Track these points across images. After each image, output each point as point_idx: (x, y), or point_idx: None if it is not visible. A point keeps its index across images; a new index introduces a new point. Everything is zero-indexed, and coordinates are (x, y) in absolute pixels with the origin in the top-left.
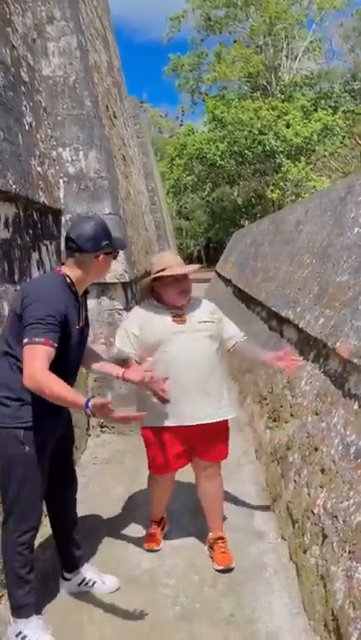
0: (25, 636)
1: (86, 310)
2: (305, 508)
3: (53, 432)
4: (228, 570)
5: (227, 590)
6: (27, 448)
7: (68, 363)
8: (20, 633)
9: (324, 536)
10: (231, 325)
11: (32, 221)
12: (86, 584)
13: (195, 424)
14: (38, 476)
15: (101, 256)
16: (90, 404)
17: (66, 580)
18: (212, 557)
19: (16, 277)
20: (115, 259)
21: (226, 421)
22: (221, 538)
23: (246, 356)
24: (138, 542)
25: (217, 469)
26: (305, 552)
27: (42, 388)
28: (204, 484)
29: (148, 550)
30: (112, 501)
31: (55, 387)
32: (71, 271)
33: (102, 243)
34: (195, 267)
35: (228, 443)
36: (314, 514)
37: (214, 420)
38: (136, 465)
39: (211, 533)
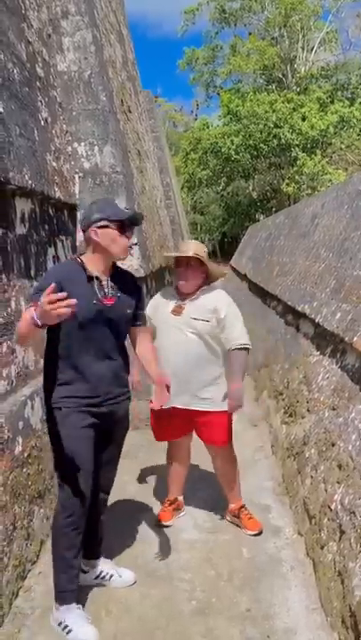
0: (67, 626)
1: (119, 290)
2: (322, 504)
3: (89, 421)
4: (260, 533)
5: (243, 585)
6: (64, 428)
7: (93, 337)
8: (61, 622)
9: (342, 532)
10: (233, 329)
11: (48, 217)
12: (103, 577)
13: (173, 406)
14: (84, 457)
15: (94, 229)
16: (36, 315)
17: (83, 572)
18: (239, 525)
19: (32, 273)
20: (121, 232)
21: (217, 413)
22: (243, 506)
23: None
24: (154, 536)
25: (226, 450)
26: (322, 548)
27: (18, 335)
28: (215, 462)
29: (158, 525)
30: (127, 495)
31: (21, 329)
32: (85, 254)
33: (93, 217)
34: (192, 254)
35: (225, 432)
36: (331, 510)
37: (189, 408)
38: (150, 459)
39: (233, 504)
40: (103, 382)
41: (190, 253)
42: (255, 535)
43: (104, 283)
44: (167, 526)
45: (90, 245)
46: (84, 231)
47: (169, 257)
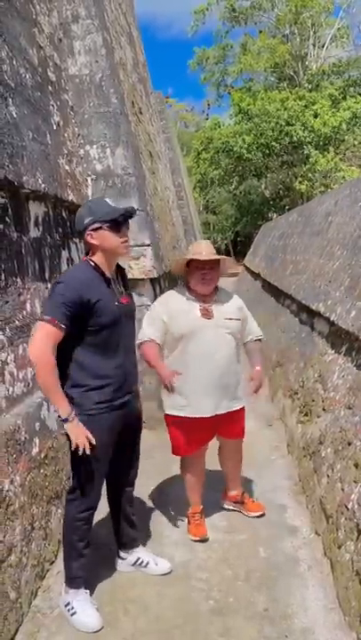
0: (72, 608)
1: (126, 287)
2: (339, 503)
3: (115, 422)
4: (263, 514)
5: (260, 585)
6: (94, 433)
7: (116, 338)
8: (68, 603)
9: (359, 531)
10: (253, 323)
11: (61, 219)
12: (140, 564)
13: (210, 415)
14: (102, 460)
15: (89, 233)
16: (66, 426)
17: (121, 558)
18: (243, 510)
19: (46, 275)
20: (116, 231)
21: (242, 408)
22: (244, 492)
23: (248, 357)
24: (170, 536)
25: (239, 443)
26: (339, 547)
27: (38, 367)
28: (226, 453)
29: (198, 540)
30: (143, 496)
31: (49, 376)
32: (91, 255)
33: (85, 221)
34: (221, 256)
35: (244, 423)
36: (348, 509)
37: (228, 411)
38: (166, 459)
39: (235, 491)
40: (130, 379)
41: (216, 256)
42: (258, 517)
43: (117, 282)
44: (206, 540)
45: (91, 249)
46: (80, 236)
47: (179, 260)
